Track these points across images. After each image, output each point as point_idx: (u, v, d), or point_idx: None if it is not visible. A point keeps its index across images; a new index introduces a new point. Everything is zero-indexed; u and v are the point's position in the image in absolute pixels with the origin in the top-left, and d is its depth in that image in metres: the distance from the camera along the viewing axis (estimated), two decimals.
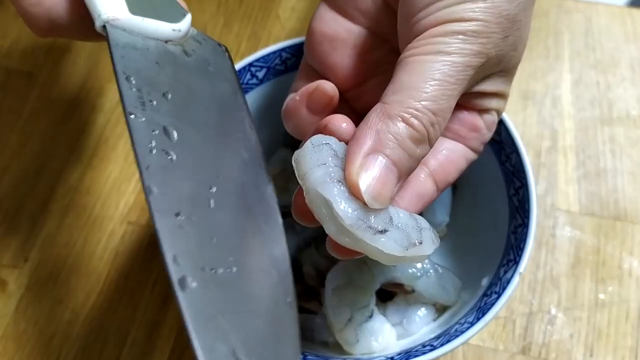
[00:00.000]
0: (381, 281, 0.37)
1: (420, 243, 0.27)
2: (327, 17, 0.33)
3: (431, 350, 0.32)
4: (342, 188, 0.26)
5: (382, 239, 0.26)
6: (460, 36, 0.27)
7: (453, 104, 0.27)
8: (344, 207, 0.25)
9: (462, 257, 0.40)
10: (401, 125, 0.26)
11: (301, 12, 0.55)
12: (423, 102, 0.26)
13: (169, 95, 0.26)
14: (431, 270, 0.37)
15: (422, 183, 0.30)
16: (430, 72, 0.26)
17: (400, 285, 0.37)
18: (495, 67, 0.29)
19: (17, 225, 0.46)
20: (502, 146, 0.38)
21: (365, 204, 0.25)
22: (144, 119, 0.25)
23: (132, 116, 0.24)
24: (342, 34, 0.32)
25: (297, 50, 0.40)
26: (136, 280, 0.43)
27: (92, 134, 0.49)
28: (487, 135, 0.32)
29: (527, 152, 0.37)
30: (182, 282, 0.22)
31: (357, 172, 0.25)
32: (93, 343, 0.41)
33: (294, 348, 0.23)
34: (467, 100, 0.30)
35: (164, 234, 0.22)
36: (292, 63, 0.40)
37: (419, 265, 0.37)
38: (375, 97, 0.32)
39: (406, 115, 0.26)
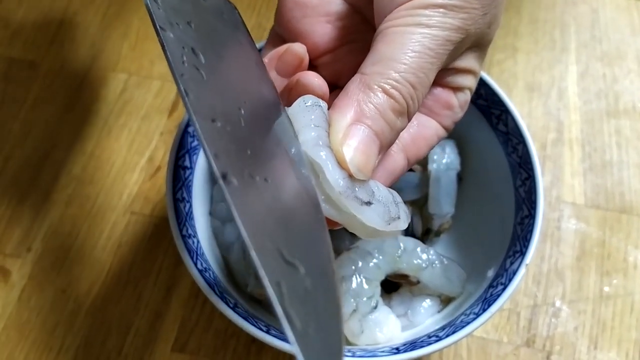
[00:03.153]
0: (386, 272, 0.36)
1: (398, 218, 0.27)
2: None
3: (436, 341, 0.32)
4: (331, 155, 0.26)
5: (367, 211, 0.26)
6: (441, 9, 0.27)
7: (432, 78, 0.27)
8: (334, 174, 0.25)
9: (467, 248, 0.40)
10: (382, 96, 0.26)
11: None
12: (402, 74, 0.26)
13: (192, 25, 0.27)
14: (436, 262, 0.37)
15: (393, 158, 0.30)
16: (409, 44, 0.26)
17: (405, 277, 0.37)
18: (472, 44, 0.29)
19: (21, 214, 0.46)
20: (508, 137, 0.38)
21: (350, 174, 0.26)
22: (173, 36, 0.25)
23: (164, 31, 0.25)
24: (313, 0, 0.32)
25: None
26: (139, 271, 0.43)
27: (95, 124, 0.49)
28: (459, 114, 0.32)
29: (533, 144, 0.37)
30: (225, 177, 0.22)
31: (342, 142, 0.26)
32: (96, 333, 0.41)
33: (330, 264, 0.23)
34: (442, 76, 0.30)
35: (205, 132, 0.23)
36: None
37: (424, 256, 0.37)
38: (344, 65, 0.32)
39: (386, 86, 0.26)
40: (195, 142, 0.38)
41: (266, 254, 0.21)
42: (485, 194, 0.40)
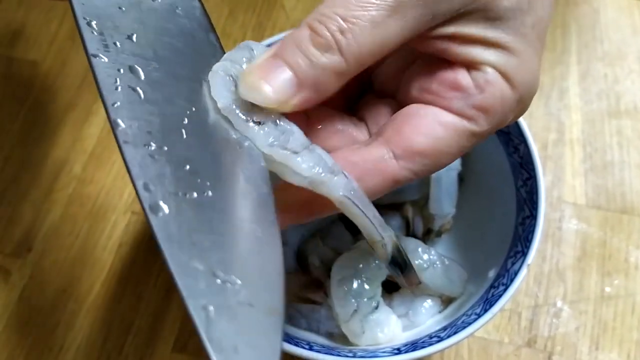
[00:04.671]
0: (387, 272, 0.36)
1: (295, 154, 0.25)
2: None
3: (438, 341, 0.32)
4: (230, 81, 0.25)
5: (252, 128, 0.25)
6: None
7: (377, 17, 0.24)
8: (220, 91, 0.25)
9: (468, 249, 0.40)
10: (304, 30, 0.25)
11: (306, 3, 0.55)
12: (333, 9, 0.25)
13: (134, 37, 0.26)
14: (437, 262, 0.37)
15: (363, 139, 0.27)
16: None
17: None
18: (469, 2, 0.26)
19: (21, 214, 0.45)
20: (510, 137, 0.38)
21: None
22: (106, 60, 0.25)
23: (95, 58, 0.25)
24: None
25: None
26: (140, 270, 0.43)
27: (96, 123, 0.49)
28: (479, 96, 0.26)
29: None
30: (154, 207, 0.22)
31: (249, 69, 0.25)
32: (97, 333, 0.41)
33: (277, 267, 0.23)
34: (446, 49, 0.27)
35: (133, 163, 0.22)
36: None
37: (425, 256, 0.36)
38: (390, 69, 0.30)
39: (311, 21, 0.25)
40: None
41: (194, 279, 0.21)
42: (487, 194, 0.40)
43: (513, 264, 0.34)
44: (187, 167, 0.24)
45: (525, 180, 0.37)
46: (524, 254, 0.34)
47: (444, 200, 0.40)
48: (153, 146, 0.23)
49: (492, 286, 0.35)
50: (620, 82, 0.51)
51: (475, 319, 0.32)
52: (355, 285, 0.36)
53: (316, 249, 0.39)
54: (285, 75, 0.25)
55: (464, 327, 0.32)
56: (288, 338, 0.33)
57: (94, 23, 0.26)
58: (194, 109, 0.25)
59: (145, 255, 0.44)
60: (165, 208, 0.22)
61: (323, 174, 0.25)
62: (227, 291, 0.21)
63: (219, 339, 0.20)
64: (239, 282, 0.21)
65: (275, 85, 0.25)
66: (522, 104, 0.28)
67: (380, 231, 0.27)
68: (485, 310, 0.33)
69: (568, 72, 0.51)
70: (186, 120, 0.25)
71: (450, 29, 0.26)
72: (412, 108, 0.27)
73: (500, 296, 0.33)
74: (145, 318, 0.42)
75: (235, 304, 0.21)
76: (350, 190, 0.26)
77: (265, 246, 0.23)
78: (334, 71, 0.25)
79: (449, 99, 0.27)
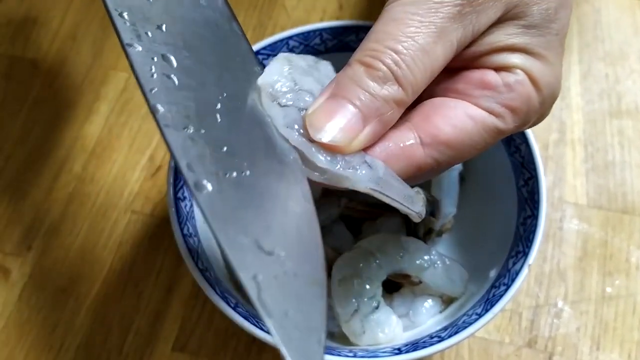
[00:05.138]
0: (388, 272, 0.36)
1: (312, 142, 0.26)
2: None
3: (439, 341, 0.32)
4: (286, 69, 0.27)
5: (277, 107, 0.26)
6: None
7: (425, 43, 0.25)
8: (269, 71, 0.27)
9: (469, 248, 0.40)
10: (357, 67, 0.25)
11: (307, 2, 0.55)
12: (383, 43, 0.25)
13: (164, 27, 0.27)
14: (438, 262, 0.37)
15: (394, 125, 0.27)
16: (392, 14, 0.25)
17: (407, 277, 0.37)
18: (505, 11, 0.26)
19: (21, 213, 0.45)
20: (511, 137, 0.37)
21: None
22: (141, 49, 0.26)
23: (130, 47, 0.26)
24: None
25: (304, 39, 0.40)
26: (140, 270, 0.43)
27: (96, 122, 0.49)
28: (508, 95, 0.27)
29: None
30: (198, 185, 0.23)
31: (311, 111, 0.25)
32: (96, 332, 0.41)
33: (316, 240, 0.24)
34: (476, 60, 0.27)
35: (175, 145, 0.24)
36: (300, 51, 0.40)
37: (426, 256, 0.36)
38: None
39: (361, 57, 0.25)
40: None
41: (242, 251, 0.22)
42: (488, 194, 0.40)
43: (514, 264, 0.34)
44: (225, 148, 0.25)
45: (526, 180, 0.37)
46: (525, 254, 0.34)
47: (445, 199, 0.40)
48: (191, 129, 0.24)
49: (493, 286, 0.34)
50: (621, 82, 0.51)
51: (476, 319, 0.32)
52: (355, 285, 0.36)
53: None
54: (349, 112, 0.25)
55: (465, 327, 0.32)
56: None
57: (125, 14, 0.27)
58: (225, 94, 0.27)
59: (145, 254, 0.44)
60: (208, 186, 0.23)
61: (344, 169, 0.25)
62: (273, 262, 0.23)
63: (270, 305, 0.21)
64: (283, 254, 0.23)
65: (342, 122, 0.25)
66: (544, 107, 0.29)
67: (412, 209, 0.28)
68: (486, 310, 0.32)
69: (569, 72, 0.51)
70: (219, 105, 0.26)
71: (484, 41, 0.27)
72: (441, 99, 0.28)
73: (501, 296, 0.33)
74: (146, 317, 0.42)
75: (281, 274, 0.22)
76: (377, 180, 0.26)
77: (303, 221, 0.25)
78: (394, 101, 0.25)
79: (477, 96, 0.27)
